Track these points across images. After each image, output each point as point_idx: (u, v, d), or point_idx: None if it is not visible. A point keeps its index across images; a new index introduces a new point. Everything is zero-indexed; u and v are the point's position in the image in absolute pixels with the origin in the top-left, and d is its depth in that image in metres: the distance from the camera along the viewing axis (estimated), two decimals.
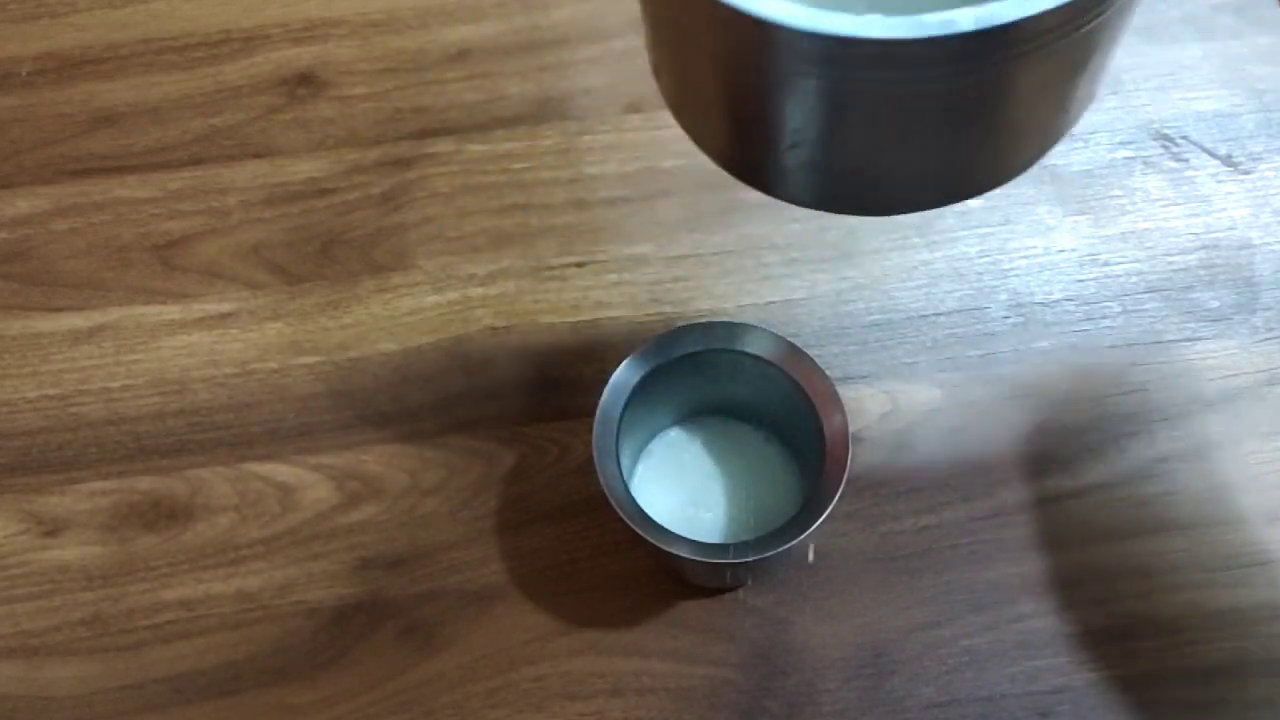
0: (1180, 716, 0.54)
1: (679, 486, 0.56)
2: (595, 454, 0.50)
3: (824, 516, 0.49)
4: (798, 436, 0.55)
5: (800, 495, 0.55)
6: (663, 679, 0.56)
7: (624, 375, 0.52)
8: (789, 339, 0.52)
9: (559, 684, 0.56)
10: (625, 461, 0.52)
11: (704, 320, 0.53)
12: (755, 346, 0.53)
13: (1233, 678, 0.55)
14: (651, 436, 0.57)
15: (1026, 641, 0.56)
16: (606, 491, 0.50)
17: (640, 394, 0.52)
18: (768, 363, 0.52)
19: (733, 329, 0.53)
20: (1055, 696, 0.55)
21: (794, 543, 0.49)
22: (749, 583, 0.57)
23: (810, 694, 0.55)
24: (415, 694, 0.56)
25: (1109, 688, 0.55)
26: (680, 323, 0.57)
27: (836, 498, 0.49)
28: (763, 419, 0.57)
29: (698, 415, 0.58)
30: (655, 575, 0.58)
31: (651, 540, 0.49)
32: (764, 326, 0.53)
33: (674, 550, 0.49)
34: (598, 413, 0.51)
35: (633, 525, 0.49)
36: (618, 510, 0.49)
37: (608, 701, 0.55)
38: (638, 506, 0.50)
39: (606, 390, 0.51)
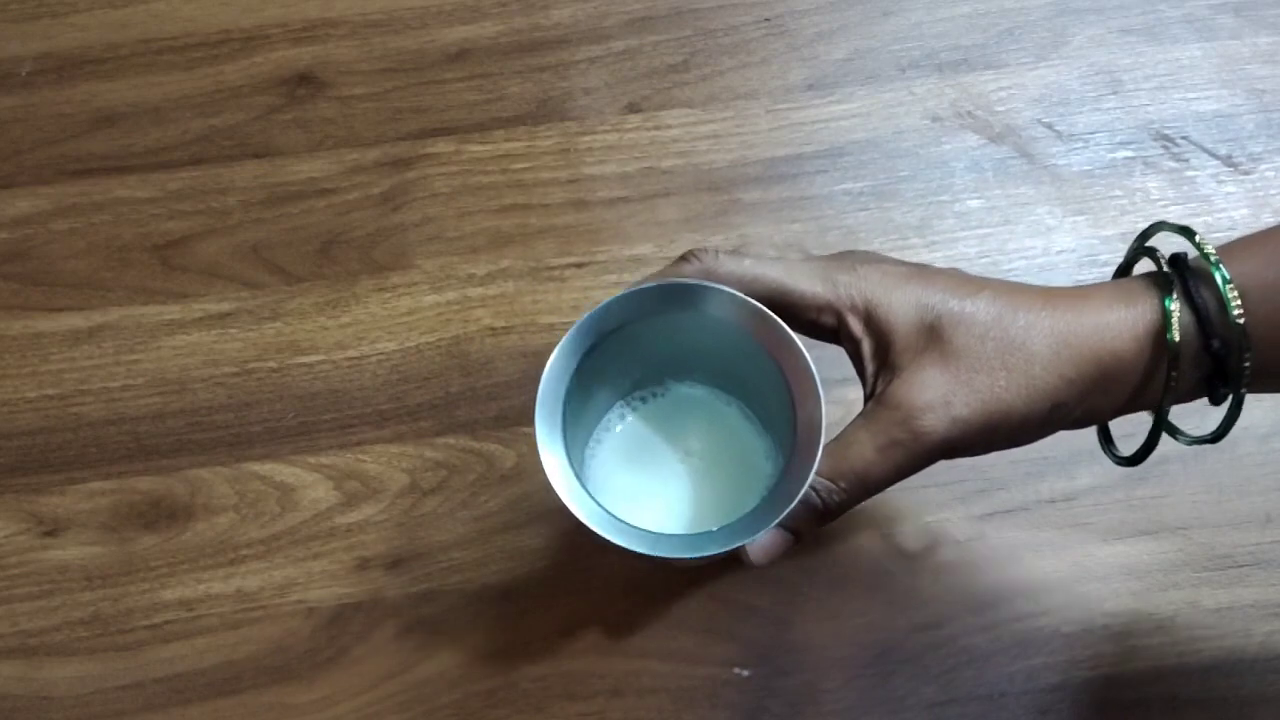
0: (1177, 714, 0.55)
1: (641, 466, 0.52)
2: (540, 450, 0.46)
3: (794, 503, 0.45)
4: (763, 392, 0.50)
5: (769, 455, 0.52)
6: (664, 679, 0.56)
7: (558, 364, 0.47)
8: (754, 302, 0.47)
9: (559, 684, 0.56)
10: (578, 445, 0.48)
11: (635, 287, 0.48)
12: (713, 308, 0.47)
13: (1229, 676, 0.55)
14: (605, 413, 0.53)
15: (1026, 640, 0.56)
16: (558, 493, 0.46)
17: (580, 380, 0.48)
18: (722, 322, 0.48)
19: (680, 290, 0.48)
20: (1054, 695, 0.55)
21: (759, 534, 0.45)
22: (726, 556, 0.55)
23: (811, 693, 0.55)
24: (415, 694, 0.56)
25: (1107, 686, 0.55)
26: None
27: (809, 481, 0.45)
28: (719, 379, 0.53)
29: (649, 384, 0.53)
30: (656, 576, 0.58)
31: (608, 539, 0.45)
32: (721, 287, 0.47)
33: (631, 548, 0.45)
34: (536, 411, 0.47)
35: (594, 529, 0.45)
36: (576, 514, 0.46)
37: (608, 702, 0.55)
38: (596, 504, 0.46)
39: (541, 386, 0.47)
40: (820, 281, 0.47)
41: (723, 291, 0.47)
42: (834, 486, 0.46)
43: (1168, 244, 0.47)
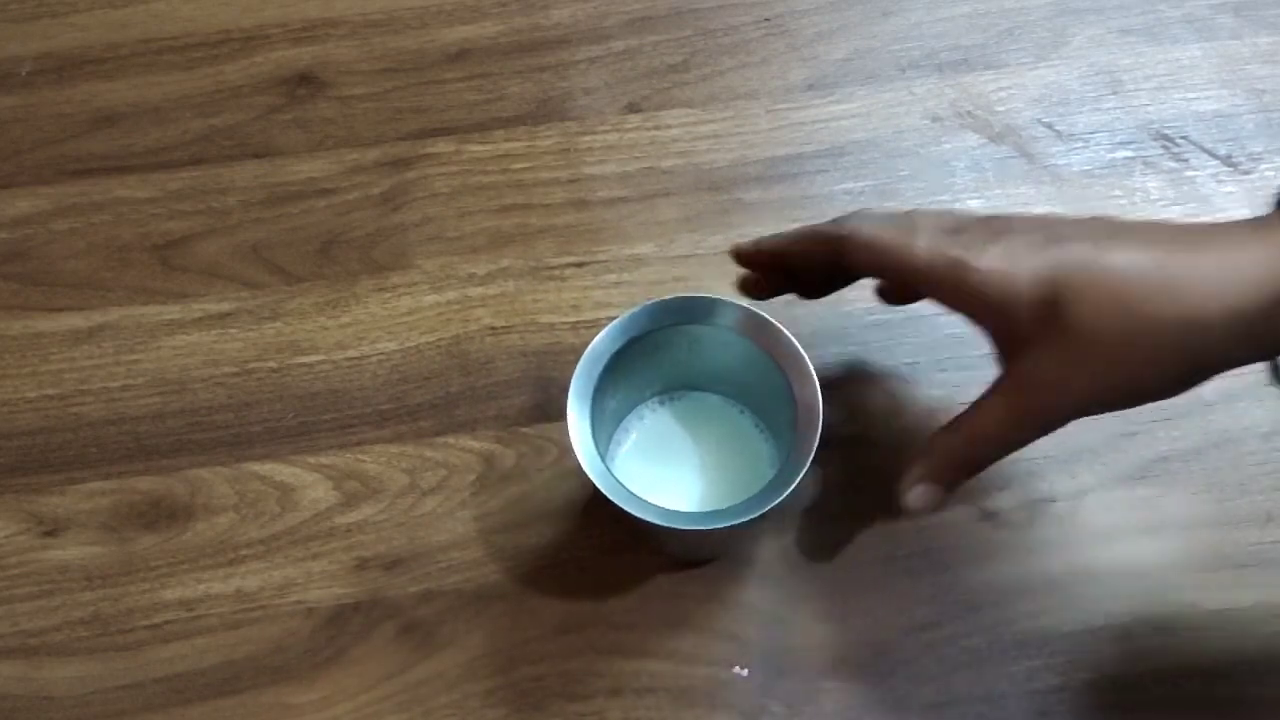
0: (1177, 716, 0.54)
1: (657, 463, 0.56)
2: (570, 427, 0.50)
3: (795, 483, 0.49)
4: (772, 407, 0.55)
5: (776, 465, 0.55)
6: (662, 679, 0.56)
7: (594, 354, 0.52)
8: (757, 310, 0.52)
9: (558, 684, 0.56)
10: (600, 442, 0.52)
11: (666, 297, 0.53)
12: (723, 319, 0.53)
13: (1230, 677, 0.55)
14: (626, 415, 0.57)
15: (1025, 641, 0.56)
16: (582, 462, 0.50)
17: (611, 373, 0.52)
18: (734, 334, 0.53)
19: (697, 303, 0.53)
20: (1053, 696, 0.55)
21: (767, 509, 0.49)
22: (729, 551, 0.58)
23: (810, 694, 0.55)
24: (414, 694, 0.56)
25: (1107, 687, 0.55)
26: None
27: (808, 464, 0.49)
28: (735, 391, 0.57)
29: (670, 391, 0.58)
30: (654, 575, 0.58)
31: (620, 506, 0.49)
32: (730, 299, 0.53)
33: (643, 517, 0.49)
34: (570, 391, 0.51)
35: (610, 496, 0.49)
36: (593, 479, 0.49)
37: (607, 701, 0.55)
38: (611, 475, 0.50)
39: (577, 371, 0.51)
40: (936, 257, 0.48)
41: (732, 303, 0.52)
42: (971, 452, 0.49)
43: None
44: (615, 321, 0.52)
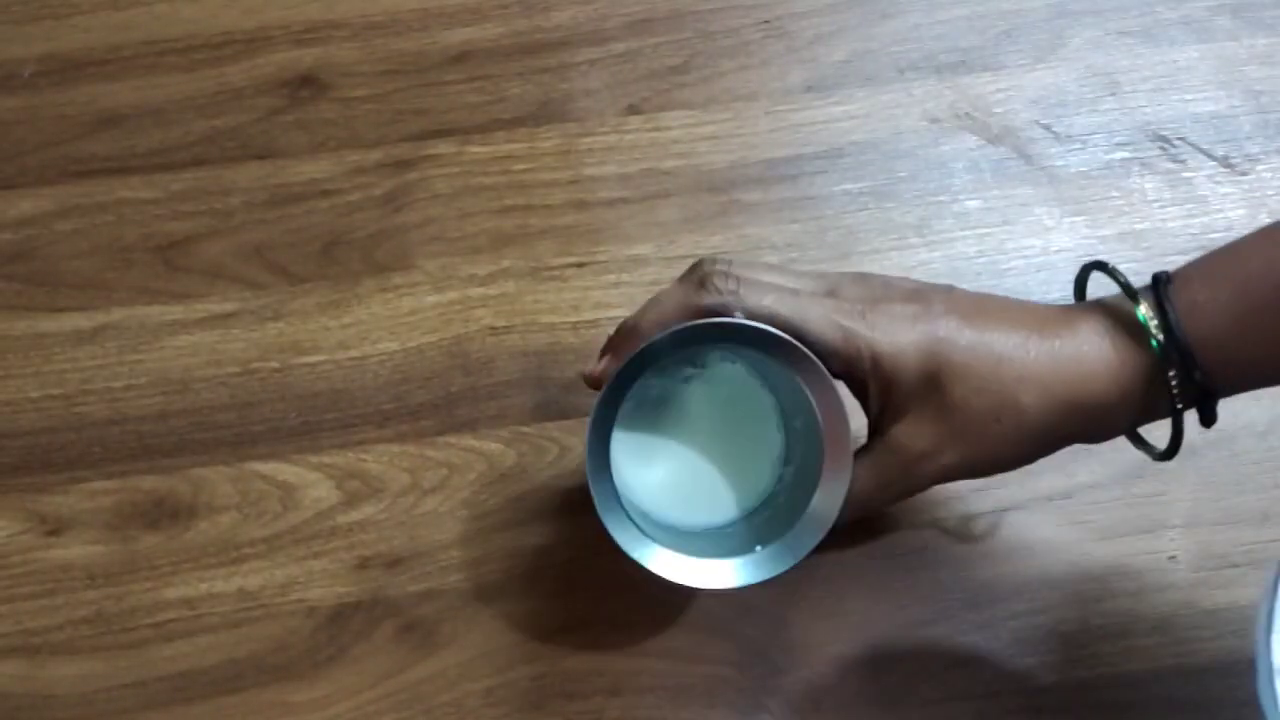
0: (1174, 715, 0.55)
1: (657, 423, 0.55)
2: (589, 479, 0.50)
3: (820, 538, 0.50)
4: (790, 402, 0.54)
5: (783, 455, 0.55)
6: (661, 678, 0.56)
7: (601, 411, 0.49)
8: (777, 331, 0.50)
9: (557, 683, 0.56)
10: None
11: (676, 328, 0.49)
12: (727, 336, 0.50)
13: (1226, 676, 0.55)
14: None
15: (1022, 639, 0.56)
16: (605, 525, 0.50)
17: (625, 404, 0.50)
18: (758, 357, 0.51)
19: (705, 328, 0.49)
20: (1050, 694, 0.55)
21: (804, 556, 0.50)
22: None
23: (808, 692, 0.56)
24: (414, 692, 0.56)
25: (1103, 686, 0.55)
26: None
27: (846, 488, 0.49)
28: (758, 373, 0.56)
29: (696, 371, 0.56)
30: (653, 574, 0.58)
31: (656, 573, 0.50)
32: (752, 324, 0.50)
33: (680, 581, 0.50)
34: (588, 436, 0.49)
35: (632, 555, 0.50)
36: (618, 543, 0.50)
37: (606, 700, 0.56)
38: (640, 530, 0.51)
39: (594, 409, 0.49)
40: (829, 329, 0.49)
41: (750, 326, 0.49)
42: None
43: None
44: (620, 367, 0.49)
